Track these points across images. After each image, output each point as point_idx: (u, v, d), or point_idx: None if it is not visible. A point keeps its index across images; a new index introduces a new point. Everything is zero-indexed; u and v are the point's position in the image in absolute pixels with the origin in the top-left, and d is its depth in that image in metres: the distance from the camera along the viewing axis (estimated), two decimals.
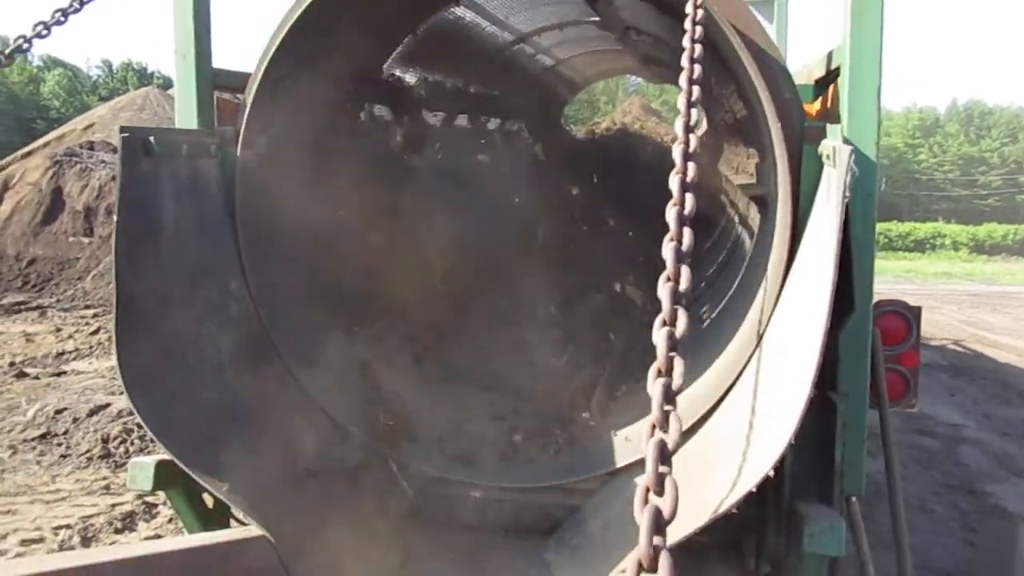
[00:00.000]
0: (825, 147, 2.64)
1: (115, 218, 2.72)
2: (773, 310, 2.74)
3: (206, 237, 3.11)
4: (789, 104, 2.76)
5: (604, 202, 6.79)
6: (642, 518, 1.01)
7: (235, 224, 3.19)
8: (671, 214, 1.36)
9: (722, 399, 2.91)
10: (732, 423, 2.70)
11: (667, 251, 1.32)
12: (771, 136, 2.72)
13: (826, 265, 2.21)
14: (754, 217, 4.41)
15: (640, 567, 0.98)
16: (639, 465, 2.95)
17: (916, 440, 8.53)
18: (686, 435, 2.95)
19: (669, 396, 1.14)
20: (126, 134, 2.75)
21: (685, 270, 1.28)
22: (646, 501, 1.05)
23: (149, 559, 2.53)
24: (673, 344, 1.18)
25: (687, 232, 1.33)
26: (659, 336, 1.22)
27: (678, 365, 1.17)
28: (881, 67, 2.79)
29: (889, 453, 3.30)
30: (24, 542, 5.43)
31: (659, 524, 1.01)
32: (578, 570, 2.93)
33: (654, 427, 1.12)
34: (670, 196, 1.38)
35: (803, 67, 3.94)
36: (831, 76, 3.18)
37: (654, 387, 1.16)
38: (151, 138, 2.81)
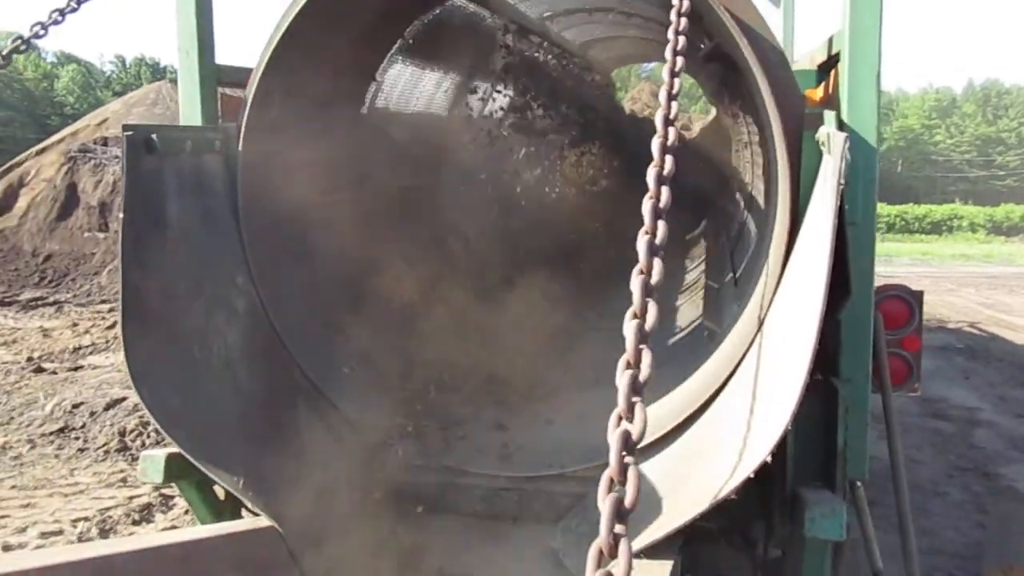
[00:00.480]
0: (821, 134, 2.64)
1: (120, 215, 2.76)
2: (773, 297, 2.75)
3: (211, 232, 3.15)
4: (787, 90, 2.75)
5: (611, 190, 6.78)
6: (603, 507, 1.04)
7: (239, 219, 3.23)
8: (646, 207, 1.37)
9: (724, 385, 2.92)
10: (733, 409, 2.71)
11: (640, 244, 1.33)
12: (770, 123, 2.72)
13: (821, 252, 2.21)
14: (761, 204, 4.40)
15: (600, 555, 1.01)
16: (643, 452, 2.97)
17: (931, 423, 8.50)
18: (688, 422, 2.97)
19: (636, 387, 1.16)
20: (129, 132, 2.79)
21: (657, 263, 1.30)
22: (609, 490, 1.07)
23: (161, 550, 2.58)
24: (642, 336, 1.20)
25: (661, 225, 1.34)
26: (628, 328, 1.23)
27: (646, 357, 1.19)
28: (880, 53, 2.77)
29: (892, 437, 3.31)
30: (44, 534, 5.54)
31: (620, 513, 1.04)
32: (584, 557, 2.95)
33: (620, 418, 1.15)
34: (646, 189, 1.39)
35: (807, 53, 3.92)
36: (832, 62, 3.17)
37: (622, 379, 1.18)
38: (153, 136, 2.85)
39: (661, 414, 3.04)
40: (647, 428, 1.15)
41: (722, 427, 2.71)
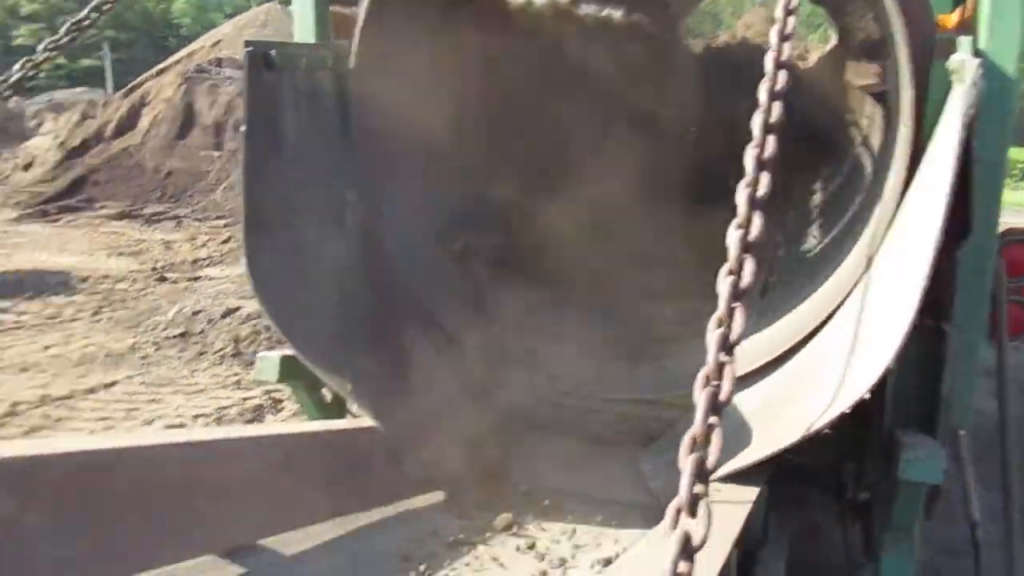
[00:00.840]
0: (953, 62, 2.46)
1: (243, 128, 2.89)
2: (886, 232, 2.65)
3: (324, 148, 3.25)
4: (917, 14, 2.57)
5: (716, 123, 6.51)
6: (684, 466, 1.04)
7: (352, 136, 3.31)
8: (749, 157, 1.29)
9: (829, 318, 2.86)
10: (836, 343, 2.66)
11: (740, 197, 1.26)
12: (896, 50, 2.56)
13: (941, 187, 2.10)
14: (876, 143, 4.17)
15: (678, 513, 1.01)
16: (745, 379, 2.93)
17: None
18: (791, 352, 2.93)
19: (726, 347, 1.13)
20: (250, 48, 2.90)
21: (758, 218, 1.23)
22: (692, 450, 1.06)
23: (269, 438, 2.80)
24: (737, 294, 1.16)
25: (764, 177, 1.27)
26: (723, 284, 1.19)
27: (739, 315, 1.15)
28: None
29: (1004, 390, 3.17)
30: (168, 426, 6.07)
31: (701, 473, 1.03)
32: (669, 482, 3.00)
33: (707, 378, 1.12)
34: (750, 137, 1.31)
35: None
36: None
37: (711, 336, 1.15)
38: (272, 52, 2.94)
39: (765, 342, 3.00)
40: (734, 388, 1.10)
41: (823, 360, 2.67)
